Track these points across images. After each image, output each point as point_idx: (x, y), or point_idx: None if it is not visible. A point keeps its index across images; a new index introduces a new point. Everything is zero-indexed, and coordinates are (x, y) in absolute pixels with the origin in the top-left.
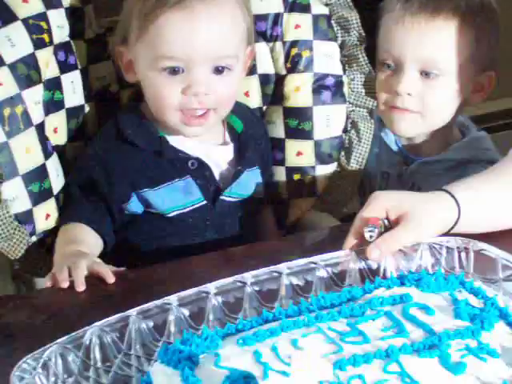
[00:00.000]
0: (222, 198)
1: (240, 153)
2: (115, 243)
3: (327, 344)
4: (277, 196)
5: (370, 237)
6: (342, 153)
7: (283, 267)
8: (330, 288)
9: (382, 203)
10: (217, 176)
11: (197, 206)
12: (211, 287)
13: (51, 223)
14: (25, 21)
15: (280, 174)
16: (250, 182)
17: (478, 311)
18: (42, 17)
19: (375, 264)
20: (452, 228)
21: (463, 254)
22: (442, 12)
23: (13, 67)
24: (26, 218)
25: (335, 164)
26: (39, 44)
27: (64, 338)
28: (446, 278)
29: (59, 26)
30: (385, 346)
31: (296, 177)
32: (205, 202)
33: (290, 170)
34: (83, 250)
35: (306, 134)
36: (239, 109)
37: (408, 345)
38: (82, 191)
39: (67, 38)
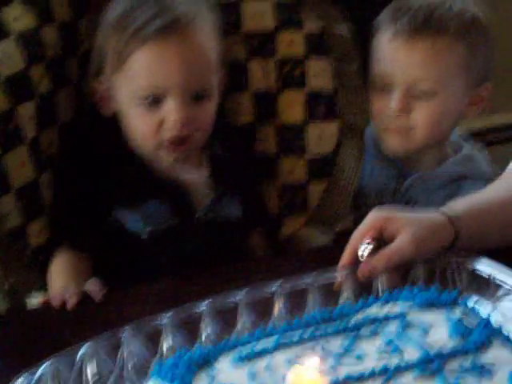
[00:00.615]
0: (197, 219)
1: (218, 177)
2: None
3: (322, 363)
4: (268, 214)
5: (362, 255)
6: (335, 169)
7: (277, 285)
8: (324, 305)
9: (377, 220)
10: (193, 198)
11: (170, 225)
12: (205, 303)
13: (44, 239)
14: (17, 37)
15: (272, 192)
16: (227, 206)
17: (472, 330)
18: (35, 33)
19: (369, 281)
20: (450, 247)
21: (458, 271)
22: (432, 31)
23: (6, 83)
24: (18, 234)
25: (327, 180)
26: (32, 60)
27: (58, 354)
28: (441, 295)
29: (52, 41)
30: (380, 365)
31: (288, 194)
32: (178, 222)
33: (282, 187)
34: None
35: (298, 151)
36: (221, 131)
37: (403, 363)
38: (66, 207)
39: (60, 54)
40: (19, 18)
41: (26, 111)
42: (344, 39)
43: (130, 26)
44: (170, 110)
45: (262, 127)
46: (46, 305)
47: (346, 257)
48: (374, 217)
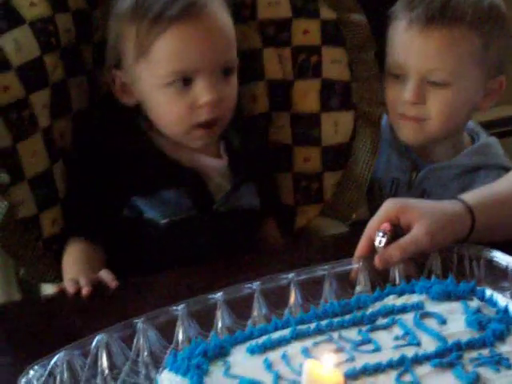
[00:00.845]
0: (214, 209)
1: (235, 166)
2: (112, 251)
3: (338, 353)
4: (283, 203)
5: (380, 242)
6: (350, 159)
7: (292, 274)
8: (340, 295)
9: (392, 210)
10: (210, 188)
11: (188, 215)
12: (219, 293)
13: (57, 229)
14: (32, 24)
15: (286, 181)
16: (245, 195)
17: (490, 320)
18: (50, 20)
19: (385, 271)
20: (466, 238)
21: (474, 262)
22: (448, 21)
23: (19, 71)
24: (32, 223)
25: (342, 170)
26: (46, 47)
27: (71, 345)
28: (458, 286)
29: (66, 29)
30: (397, 355)
31: (303, 183)
32: (196, 212)
33: (297, 177)
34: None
35: (313, 140)
36: (238, 121)
37: (420, 354)
38: (82, 197)
39: (74, 42)
40: (34, 5)
41: (40, 100)
42: (360, 28)
43: (147, 13)
44: (201, 90)
45: (277, 116)
46: (61, 293)
47: (361, 246)
48: (389, 206)
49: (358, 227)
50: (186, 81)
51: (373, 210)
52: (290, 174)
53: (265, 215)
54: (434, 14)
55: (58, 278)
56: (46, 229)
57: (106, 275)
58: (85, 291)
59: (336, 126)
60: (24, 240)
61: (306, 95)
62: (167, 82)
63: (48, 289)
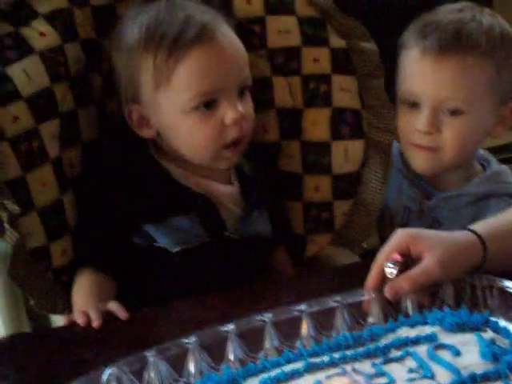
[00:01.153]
0: (226, 236)
1: (246, 193)
2: (124, 279)
3: None
4: (293, 232)
5: (391, 273)
6: (360, 188)
7: (304, 306)
8: (352, 326)
9: (403, 240)
10: (222, 214)
11: (200, 243)
12: (231, 325)
13: (67, 259)
14: (41, 54)
15: (297, 210)
16: (257, 222)
17: (504, 352)
18: (59, 50)
19: (397, 302)
20: (478, 268)
21: (487, 292)
22: (461, 49)
23: (29, 101)
24: (42, 254)
25: (353, 199)
26: (56, 77)
27: (81, 380)
28: (471, 316)
29: (76, 59)
30: None
31: (313, 212)
32: (208, 240)
33: (307, 206)
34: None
35: (323, 169)
36: (248, 150)
37: None
38: (92, 227)
39: (84, 72)
40: (43, 35)
41: (49, 130)
42: (369, 56)
43: (163, 40)
44: (226, 109)
45: (287, 145)
46: (71, 324)
47: (372, 277)
48: (399, 237)
49: (369, 256)
50: (210, 103)
51: (384, 239)
52: (300, 202)
53: (276, 243)
54: (447, 43)
55: (67, 309)
56: (55, 259)
57: (115, 307)
58: (95, 324)
59: (346, 155)
60: (33, 271)
61: (316, 124)
62: (192, 107)
63: (58, 320)
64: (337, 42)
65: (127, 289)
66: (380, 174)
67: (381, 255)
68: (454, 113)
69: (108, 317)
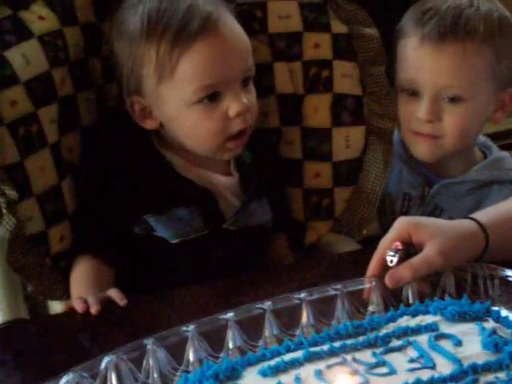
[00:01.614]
0: (225, 227)
1: (246, 184)
2: (122, 268)
3: (352, 376)
4: (293, 219)
5: (391, 261)
6: (361, 175)
7: (304, 294)
8: (352, 315)
9: (405, 228)
10: (221, 206)
11: (199, 234)
12: (230, 314)
13: (66, 245)
14: (40, 38)
15: (297, 197)
16: (256, 212)
17: (506, 342)
18: (58, 34)
19: (398, 290)
20: (480, 257)
21: (488, 281)
22: (460, 36)
23: (28, 85)
24: (40, 240)
25: (353, 186)
26: (55, 61)
27: (79, 367)
28: (472, 306)
29: (75, 43)
30: (412, 379)
31: (313, 199)
32: (207, 232)
33: (307, 192)
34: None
35: (324, 156)
36: (249, 136)
37: (436, 377)
38: (92, 214)
39: (83, 56)
40: (42, 19)
41: (48, 114)
42: (372, 42)
43: (165, 32)
44: (231, 101)
45: (288, 131)
46: (69, 310)
47: (373, 265)
48: (401, 225)
49: (369, 243)
50: (213, 95)
51: (384, 226)
52: (300, 189)
53: (276, 230)
54: (445, 30)
55: (65, 295)
56: (53, 245)
57: (115, 293)
58: (93, 310)
59: (347, 141)
60: (31, 257)
61: (317, 110)
62: (196, 99)
63: (56, 306)
64: (338, 27)
65: (125, 277)
66: (381, 162)
67: (382, 243)
68: (454, 100)
69: (107, 304)
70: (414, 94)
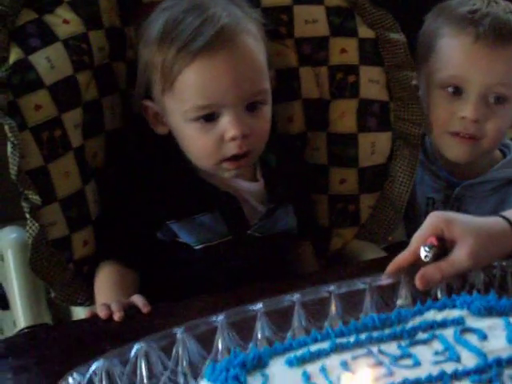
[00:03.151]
0: (249, 233)
1: (271, 189)
2: (145, 274)
3: (377, 367)
4: (318, 225)
5: (426, 257)
6: (387, 181)
7: (333, 287)
8: (380, 309)
9: (438, 224)
10: (246, 212)
11: (224, 240)
12: (259, 305)
13: (89, 250)
14: (65, 42)
15: (322, 203)
16: (281, 218)
17: None
18: (83, 38)
19: None
20: (510, 256)
21: None
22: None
23: (52, 89)
24: (63, 245)
25: (379, 192)
26: (79, 66)
27: (110, 353)
28: (499, 301)
29: (100, 47)
30: (436, 371)
31: (339, 205)
32: (231, 238)
33: (333, 198)
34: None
35: (350, 162)
36: (274, 141)
37: (460, 370)
38: (116, 219)
39: (107, 60)
40: (67, 23)
41: (72, 119)
42: (398, 47)
43: (175, 41)
44: (227, 125)
45: (313, 136)
46: (93, 316)
47: (404, 255)
48: (434, 220)
49: (395, 251)
50: (211, 115)
51: (409, 232)
52: (325, 195)
53: (301, 237)
54: (502, 30)
55: (88, 301)
56: (77, 250)
57: (138, 300)
58: (117, 317)
59: (373, 147)
60: (54, 262)
61: (343, 115)
62: (192, 117)
63: (79, 312)
64: (365, 32)
65: (149, 283)
66: (407, 168)
67: (416, 238)
68: (499, 100)
69: (130, 310)
70: (456, 92)
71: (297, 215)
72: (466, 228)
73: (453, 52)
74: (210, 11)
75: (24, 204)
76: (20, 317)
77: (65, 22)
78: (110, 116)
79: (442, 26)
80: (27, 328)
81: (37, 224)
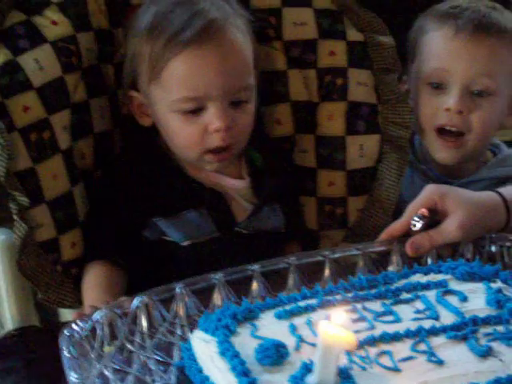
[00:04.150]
0: (237, 231)
1: (257, 187)
2: (133, 273)
3: (359, 321)
4: (307, 227)
5: (414, 226)
6: (375, 184)
7: (327, 252)
8: (372, 273)
9: (432, 195)
10: (233, 209)
11: (210, 237)
12: (256, 265)
13: (77, 252)
14: (54, 43)
15: (310, 205)
16: (268, 217)
17: (509, 300)
18: (72, 39)
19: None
20: (503, 229)
21: (505, 250)
22: (493, 29)
23: (40, 91)
24: (51, 246)
25: (367, 195)
26: (68, 67)
27: (111, 304)
28: (483, 268)
29: (88, 49)
30: (414, 326)
31: (327, 208)
32: (218, 234)
33: (321, 201)
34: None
35: (338, 164)
36: (260, 142)
37: (437, 326)
38: (103, 219)
39: (96, 62)
40: (56, 24)
41: (61, 120)
42: (387, 50)
43: (164, 32)
44: (212, 117)
45: (302, 139)
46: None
47: (396, 225)
48: (429, 191)
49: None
50: (197, 107)
51: None
52: (313, 198)
53: (289, 239)
54: (481, 23)
55: (76, 303)
56: (64, 252)
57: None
58: None
59: (362, 150)
60: (42, 264)
61: (332, 118)
62: (178, 107)
63: (67, 314)
64: (354, 35)
65: (136, 283)
66: (396, 171)
67: (409, 208)
68: (482, 94)
69: None
70: (441, 87)
71: (285, 215)
72: (458, 201)
73: (435, 45)
74: (199, 5)
75: (12, 205)
76: (8, 319)
77: (53, 23)
78: (99, 118)
79: (427, 23)
80: (15, 330)
81: (24, 225)
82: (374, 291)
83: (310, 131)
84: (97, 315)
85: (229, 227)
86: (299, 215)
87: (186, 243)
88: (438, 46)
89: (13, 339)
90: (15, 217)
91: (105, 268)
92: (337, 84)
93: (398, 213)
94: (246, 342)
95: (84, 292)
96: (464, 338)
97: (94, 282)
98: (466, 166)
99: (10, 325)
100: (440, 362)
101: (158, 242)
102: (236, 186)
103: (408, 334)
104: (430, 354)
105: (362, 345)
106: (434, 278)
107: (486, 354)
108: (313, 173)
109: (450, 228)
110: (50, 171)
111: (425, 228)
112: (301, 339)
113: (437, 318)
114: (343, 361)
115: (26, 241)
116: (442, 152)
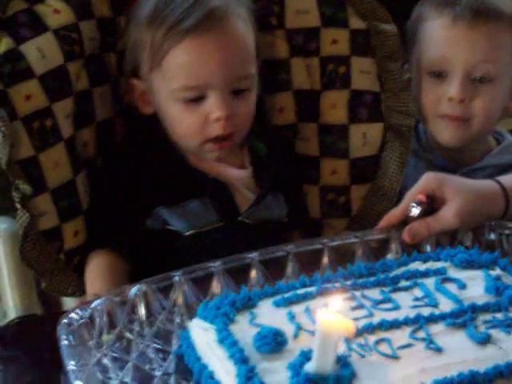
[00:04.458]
0: (239, 220)
1: (260, 177)
2: (136, 262)
3: (358, 309)
4: (309, 216)
5: (412, 213)
6: (378, 172)
7: (326, 240)
8: (371, 261)
9: (430, 182)
10: (236, 199)
11: (213, 227)
12: (255, 253)
13: (80, 241)
14: (56, 32)
15: (313, 194)
16: (271, 206)
17: (507, 287)
18: (74, 28)
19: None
20: (502, 217)
21: (504, 237)
22: (491, 15)
23: (43, 79)
24: (54, 235)
25: (370, 183)
26: (70, 56)
27: (110, 292)
28: (481, 255)
29: (91, 37)
30: (413, 314)
31: (330, 196)
32: (221, 224)
33: (324, 190)
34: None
35: (341, 153)
36: (263, 131)
37: (436, 314)
38: (106, 208)
39: (98, 50)
40: (58, 13)
41: (63, 109)
42: (390, 38)
43: (165, 21)
44: (213, 105)
45: (304, 127)
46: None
47: (396, 212)
48: (427, 178)
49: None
50: (198, 96)
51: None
52: (316, 186)
53: (292, 227)
54: (478, 9)
55: (78, 292)
56: (67, 241)
57: None
58: None
59: (364, 138)
60: (45, 252)
61: (334, 106)
62: (179, 95)
63: (70, 302)
64: (357, 23)
65: (139, 272)
66: (399, 159)
67: (408, 195)
68: (483, 80)
69: None
70: (441, 75)
71: (287, 205)
72: (457, 188)
73: (434, 34)
74: None
75: (15, 194)
76: (11, 308)
77: (55, 11)
78: (101, 106)
79: (424, 12)
80: (18, 318)
81: (27, 214)
82: (372, 279)
83: (312, 120)
84: (95, 304)
85: (232, 217)
86: (302, 204)
87: (188, 233)
88: (438, 35)
89: (15, 328)
90: (18, 205)
91: (108, 257)
92: (339, 72)
93: (399, 201)
94: (244, 330)
95: (87, 281)
96: (463, 326)
97: (96, 270)
98: (470, 153)
99: (13, 314)
100: (439, 350)
101: (160, 232)
102: (238, 175)
103: (407, 322)
104: (429, 342)
105: (360, 332)
106: (432, 265)
107: (484, 341)
108: (315, 161)
109: (448, 215)
110: (53, 159)
111: (423, 216)
112: (299, 327)
113: (436, 306)
114: (342, 348)
115: (29, 229)
116: (446, 132)
